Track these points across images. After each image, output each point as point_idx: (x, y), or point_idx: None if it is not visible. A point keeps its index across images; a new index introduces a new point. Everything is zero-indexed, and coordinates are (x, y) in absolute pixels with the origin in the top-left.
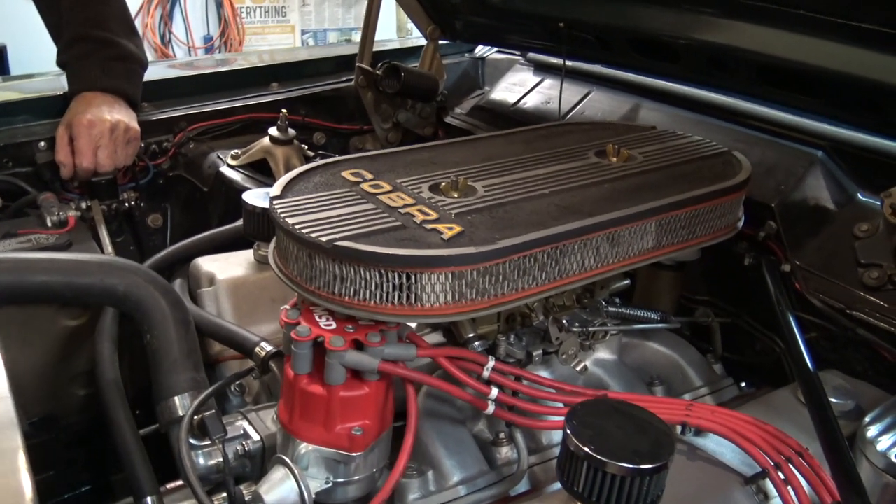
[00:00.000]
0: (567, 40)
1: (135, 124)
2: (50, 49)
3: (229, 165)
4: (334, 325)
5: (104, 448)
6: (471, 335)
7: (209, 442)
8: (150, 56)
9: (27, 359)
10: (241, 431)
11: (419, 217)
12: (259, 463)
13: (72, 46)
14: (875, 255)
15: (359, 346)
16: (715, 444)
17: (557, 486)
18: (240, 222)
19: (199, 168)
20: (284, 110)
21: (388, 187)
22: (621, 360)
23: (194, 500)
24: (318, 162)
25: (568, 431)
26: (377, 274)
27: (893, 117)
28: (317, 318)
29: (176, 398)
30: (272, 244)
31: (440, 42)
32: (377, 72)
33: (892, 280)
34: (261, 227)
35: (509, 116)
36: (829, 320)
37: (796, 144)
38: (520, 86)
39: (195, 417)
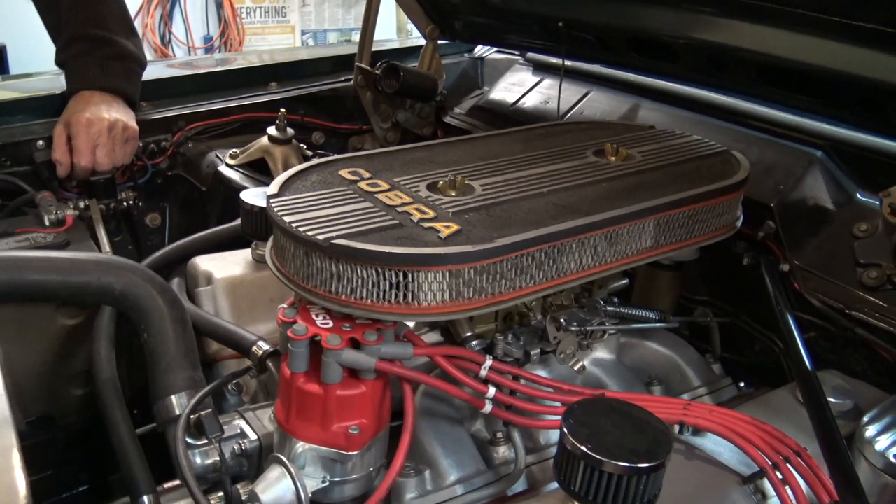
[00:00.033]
0: (566, 40)
1: (133, 123)
2: (50, 49)
3: (228, 165)
4: (331, 324)
5: (102, 448)
6: (468, 334)
7: (206, 441)
8: (149, 56)
9: (25, 358)
10: (238, 430)
11: (416, 215)
12: (256, 462)
13: (70, 45)
14: (874, 255)
15: (356, 344)
16: (713, 444)
17: (555, 485)
18: (238, 221)
19: (197, 167)
20: (283, 109)
21: (385, 186)
22: (619, 360)
23: (191, 500)
24: (315, 161)
25: (565, 430)
26: (374, 272)
27: (893, 117)
28: (314, 316)
29: (173, 397)
30: (269, 243)
31: (439, 42)
32: (376, 71)
33: (892, 280)
34: (259, 226)
35: (508, 116)
36: (827, 320)
37: (795, 144)
38: (519, 86)
39: (192, 416)
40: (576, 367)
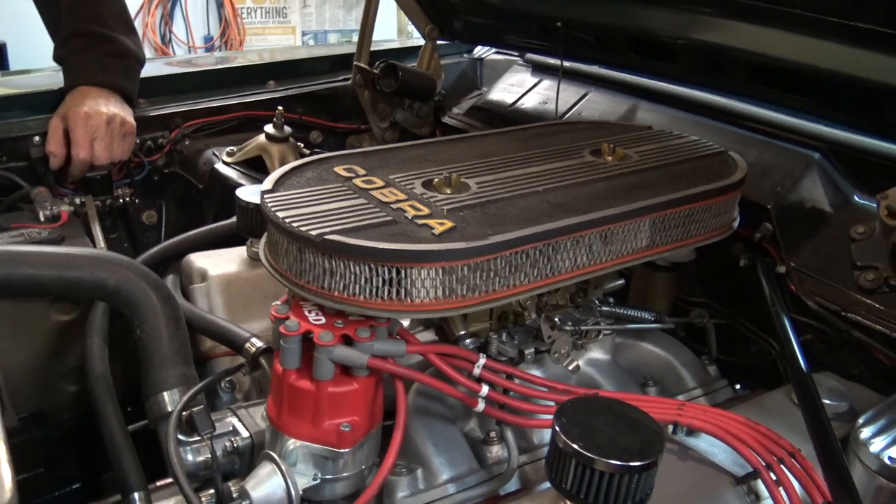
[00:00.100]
0: (564, 40)
1: (131, 119)
2: (50, 47)
3: (224, 162)
4: (324, 321)
5: (95, 446)
6: (462, 332)
7: (198, 438)
8: (149, 55)
9: (18, 354)
10: (230, 428)
11: (411, 212)
12: (248, 459)
13: (69, 41)
14: (871, 258)
15: (348, 341)
16: (707, 445)
17: (548, 485)
18: (233, 219)
19: (194, 165)
20: (280, 108)
21: (380, 183)
22: (615, 361)
23: (182, 497)
24: (311, 157)
25: (557, 428)
26: (367, 268)
27: (891, 118)
28: (306, 313)
29: (165, 394)
30: (263, 239)
31: (439, 42)
32: (375, 70)
33: (888, 282)
34: (254, 224)
35: (507, 117)
36: (824, 322)
37: (793, 146)
38: (518, 86)
39: (184, 413)
40: (570, 367)
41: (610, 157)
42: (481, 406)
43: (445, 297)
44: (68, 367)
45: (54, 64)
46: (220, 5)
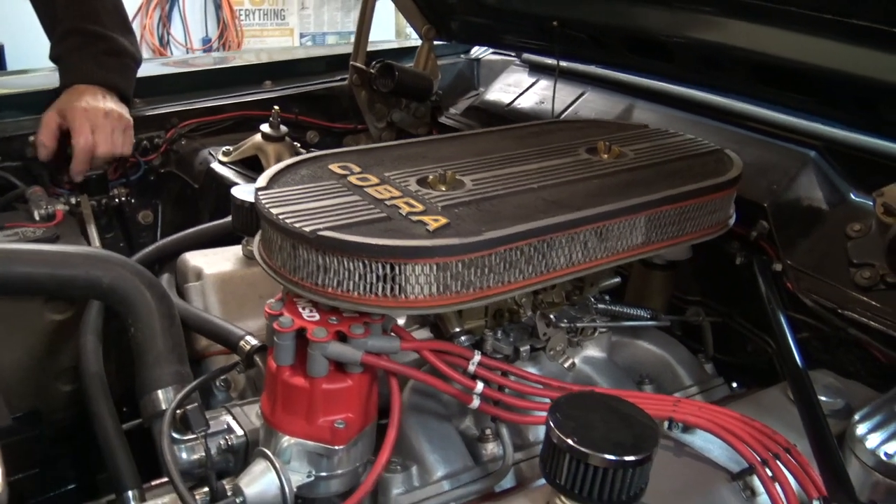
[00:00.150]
0: (560, 39)
1: (128, 116)
2: (47, 48)
3: (220, 162)
4: (318, 317)
5: (89, 445)
6: (457, 329)
7: (192, 436)
8: (147, 57)
9: (12, 353)
10: (225, 426)
11: (405, 209)
12: (242, 458)
13: (65, 40)
14: (867, 255)
15: (342, 338)
16: (702, 441)
17: (543, 482)
18: (229, 218)
19: (190, 165)
20: (277, 107)
21: (375, 180)
22: (611, 359)
23: (176, 495)
24: (305, 155)
25: (551, 423)
26: (361, 264)
27: (888, 116)
28: (300, 309)
29: (159, 391)
30: (258, 236)
31: (436, 43)
32: (371, 70)
33: (885, 280)
34: (249, 222)
35: (504, 117)
36: (820, 320)
37: (789, 144)
38: (514, 86)
39: (178, 411)
40: (566, 365)
41: (606, 155)
42: (476, 403)
43: (440, 293)
44: (63, 367)
45: (50, 64)
46: (218, 7)
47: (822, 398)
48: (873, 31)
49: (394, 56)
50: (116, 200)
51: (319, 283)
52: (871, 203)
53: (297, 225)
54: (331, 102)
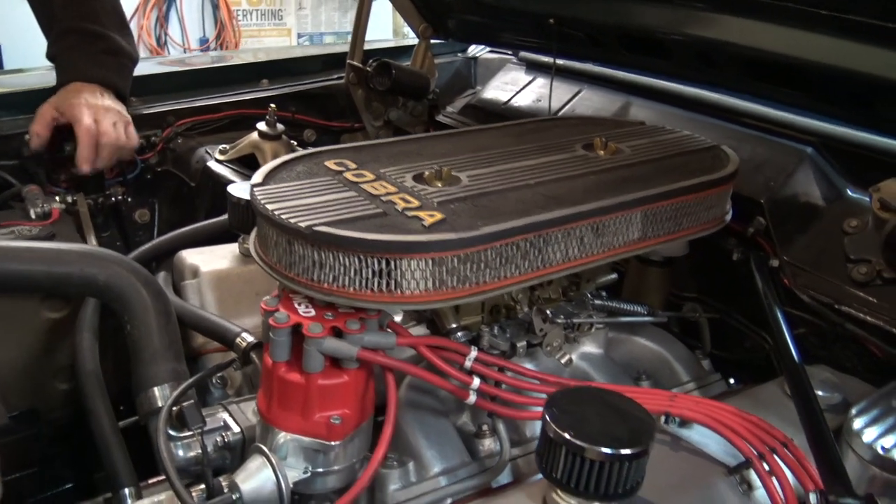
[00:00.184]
0: (557, 37)
1: (126, 114)
2: (44, 48)
3: (217, 160)
4: (313, 313)
5: (87, 445)
6: (453, 325)
7: (188, 433)
8: (145, 57)
9: (9, 351)
10: (221, 423)
11: (401, 205)
12: (239, 455)
13: (62, 38)
14: (864, 251)
15: (338, 333)
16: (699, 436)
17: (540, 477)
18: (225, 216)
19: (186, 163)
20: (273, 105)
21: (371, 176)
22: (608, 355)
23: (172, 492)
24: (301, 152)
25: (547, 418)
26: (356, 260)
27: (884, 112)
28: (296, 305)
29: (155, 389)
30: (254, 233)
31: (433, 42)
32: (368, 69)
33: (881, 275)
34: (245, 219)
35: (500, 115)
36: (817, 316)
37: (786, 141)
38: (511, 84)
39: (174, 408)
40: (563, 361)
41: (602, 152)
42: (472, 398)
43: (436, 288)
44: (60, 365)
45: (47, 63)
46: (215, 7)
47: (819, 393)
48: (869, 26)
49: (391, 55)
50: (113, 199)
51: (315, 278)
52: (868, 199)
53: (292, 220)
54: (328, 101)
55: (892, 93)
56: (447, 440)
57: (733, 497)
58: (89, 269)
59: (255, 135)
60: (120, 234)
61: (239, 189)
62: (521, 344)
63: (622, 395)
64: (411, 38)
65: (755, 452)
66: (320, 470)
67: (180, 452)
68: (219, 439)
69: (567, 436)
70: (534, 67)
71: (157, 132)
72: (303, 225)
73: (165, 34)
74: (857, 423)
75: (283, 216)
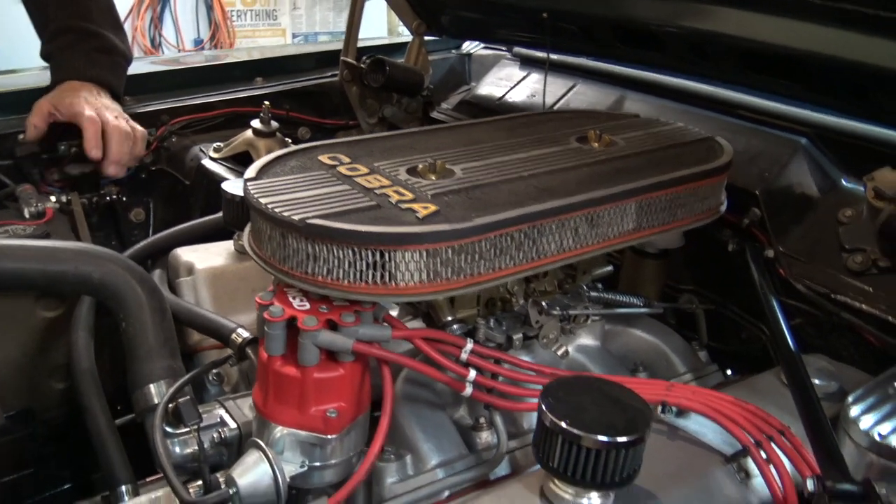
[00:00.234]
0: (551, 31)
1: (123, 112)
2: (38, 49)
3: (211, 158)
4: (308, 306)
5: (84, 445)
6: (449, 318)
7: (185, 430)
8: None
9: (4, 350)
10: (218, 419)
11: (395, 197)
12: (236, 451)
13: (57, 37)
14: (859, 240)
15: (333, 326)
16: (696, 425)
17: (538, 468)
18: (220, 214)
19: (181, 162)
20: (267, 102)
21: (364, 170)
22: (604, 347)
23: (169, 489)
24: (295, 147)
25: (543, 407)
26: (350, 252)
27: (877, 101)
28: (291, 299)
29: (151, 386)
30: (247, 227)
31: (427, 39)
32: (362, 65)
33: (877, 264)
34: (240, 216)
35: (495, 110)
36: (813, 306)
37: (780, 132)
38: (506, 80)
39: (170, 405)
40: (559, 353)
41: (596, 144)
42: (469, 390)
43: (430, 280)
44: (55, 365)
45: (41, 64)
46: (209, 8)
47: (816, 382)
48: (863, 15)
49: (385, 52)
50: (108, 198)
51: (309, 271)
52: (862, 189)
53: (286, 214)
54: (322, 98)
55: (885, 82)
56: (444, 433)
57: (731, 485)
58: (84, 267)
59: (249, 132)
60: (116, 233)
61: (233, 186)
62: (518, 336)
63: (618, 384)
64: (406, 37)
65: (752, 440)
66: (317, 464)
67: (177, 449)
68: (215, 435)
69: (563, 424)
70: (528, 63)
71: (152, 131)
72: (296, 218)
73: (160, 35)
74: (854, 411)
75: (277, 210)
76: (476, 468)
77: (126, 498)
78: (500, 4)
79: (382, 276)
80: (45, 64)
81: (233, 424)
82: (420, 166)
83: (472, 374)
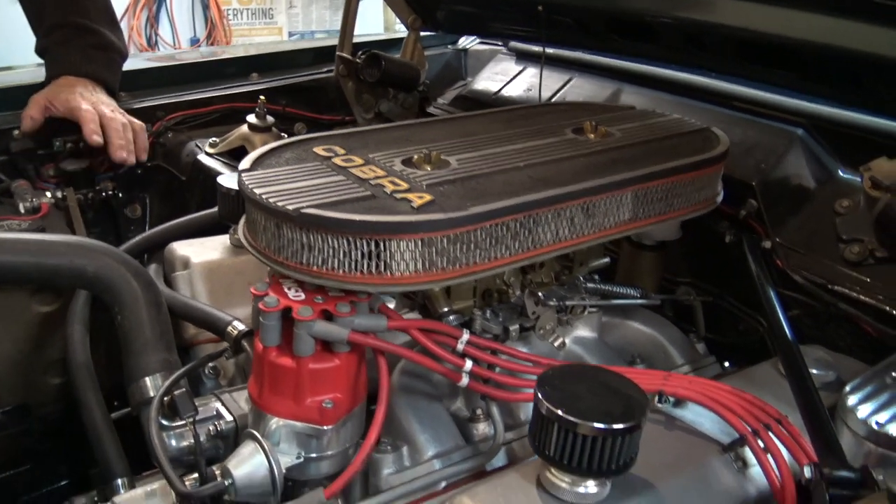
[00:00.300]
0: (546, 24)
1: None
2: (32, 46)
3: (207, 153)
4: (303, 297)
5: (81, 440)
6: (445, 309)
7: (181, 423)
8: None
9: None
10: (214, 412)
11: (390, 188)
12: (232, 444)
13: (52, 33)
14: (856, 231)
15: (328, 316)
16: (693, 415)
17: (535, 459)
18: (216, 209)
19: (177, 157)
20: (262, 97)
21: (359, 161)
22: (601, 338)
23: (165, 481)
24: (289, 139)
25: (539, 395)
26: (345, 242)
27: (873, 90)
28: (286, 289)
29: (147, 379)
30: (242, 219)
31: (423, 34)
32: (357, 60)
33: (873, 254)
34: (235, 210)
35: (491, 105)
36: (811, 296)
37: (776, 123)
38: (502, 75)
39: (166, 398)
40: (556, 344)
41: (592, 135)
42: (465, 381)
43: (425, 269)
44: (51, 360)
45: (35, 61)
46: (205, 7)
47: (813, 371)
48: (857, 3)
49: (381, 47)
50: (103, 194)
51: (304, 261)
52: (859, 179)
53: (280, 203)
54: (318, 94)
55: (881, 70)
56: (441, 424)
57: (728, 474)
58: (79, 261)
59: (244, 127)
60: (112, 229)
61: (229, 180)
62: (514, 327)
63: (614, 372)
64: (403, 33)
65: (749, 429)
66: (313, 455)
67: (173, 442)
68: (211, 428)
69: (559, 412)
70: (524, 57)
71: (147, 127)
72: (290, 208)
73: (156, 34)
74: (852, 400)
75: (271, 200)
76: (473, 459)
77: (121, 491)
78: None
79: (378, 266)
80: (41, 61)
81: (229, 417)
82: (415, 157)
83: (469, 364)
